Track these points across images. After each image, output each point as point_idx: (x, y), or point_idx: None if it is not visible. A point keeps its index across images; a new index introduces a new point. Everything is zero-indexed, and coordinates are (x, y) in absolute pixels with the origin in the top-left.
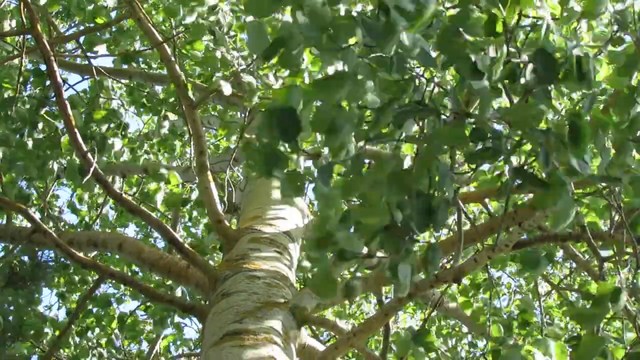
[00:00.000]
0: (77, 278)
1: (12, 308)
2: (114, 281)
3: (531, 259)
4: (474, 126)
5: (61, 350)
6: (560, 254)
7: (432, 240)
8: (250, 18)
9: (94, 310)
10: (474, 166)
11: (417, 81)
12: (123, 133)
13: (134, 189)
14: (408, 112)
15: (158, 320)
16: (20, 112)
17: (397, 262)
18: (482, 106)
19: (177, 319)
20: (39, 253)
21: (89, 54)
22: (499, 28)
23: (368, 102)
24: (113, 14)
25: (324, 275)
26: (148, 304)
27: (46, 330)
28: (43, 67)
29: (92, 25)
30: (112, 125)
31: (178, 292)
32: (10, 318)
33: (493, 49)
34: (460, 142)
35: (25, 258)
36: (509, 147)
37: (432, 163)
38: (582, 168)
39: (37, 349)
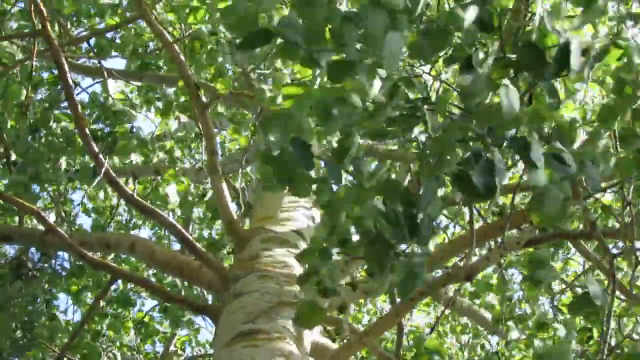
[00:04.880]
0: (90, 281)
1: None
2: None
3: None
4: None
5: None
6: (572, 251)
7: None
8: None
9: (110, 310)
10: None
11: (411, 81)
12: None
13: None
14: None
15: (172, 321)
16: (32, 114)
17: (385, 282)
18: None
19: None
20: (52, 256)
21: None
22: (495, 22)
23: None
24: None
25: (310, 307)
26: (162, 305)
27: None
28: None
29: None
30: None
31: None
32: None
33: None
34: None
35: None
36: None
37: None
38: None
39: (51, 350)
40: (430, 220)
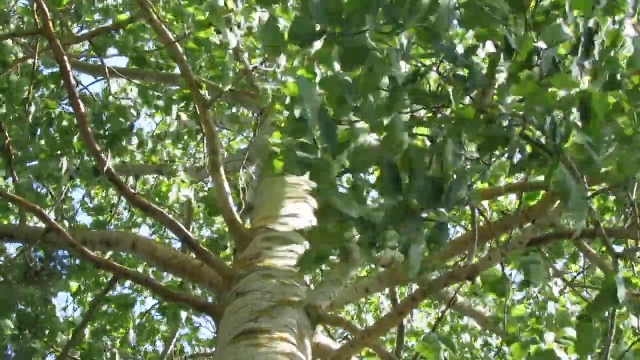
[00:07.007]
0: (91, 280)
1: (25, 306)
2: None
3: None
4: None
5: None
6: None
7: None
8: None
9: (110, 310)
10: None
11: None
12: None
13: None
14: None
15: (171, 316)
16: (33, 112)
17: (409, 241)
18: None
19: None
20: (54, 254)
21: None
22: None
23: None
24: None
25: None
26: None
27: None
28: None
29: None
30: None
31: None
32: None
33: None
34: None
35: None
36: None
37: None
38: (595, 158)
39: (51, 348)
40: (458, 184)
